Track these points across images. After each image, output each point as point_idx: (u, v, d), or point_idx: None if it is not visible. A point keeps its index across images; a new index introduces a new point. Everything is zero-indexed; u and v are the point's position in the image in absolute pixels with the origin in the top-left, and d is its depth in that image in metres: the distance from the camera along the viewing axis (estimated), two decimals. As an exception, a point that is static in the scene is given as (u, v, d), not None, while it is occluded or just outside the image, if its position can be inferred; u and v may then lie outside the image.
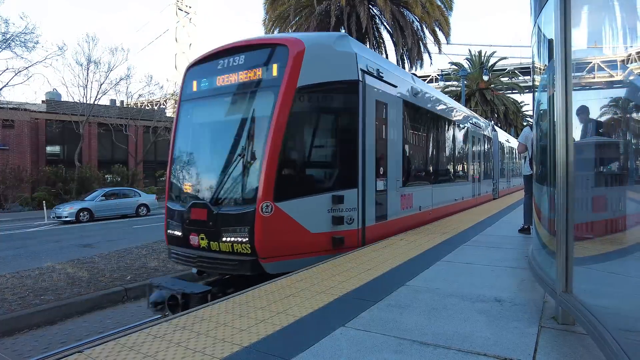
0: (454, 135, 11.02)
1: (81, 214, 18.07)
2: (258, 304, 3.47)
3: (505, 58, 43.17)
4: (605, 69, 2.86)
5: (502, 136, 19.41)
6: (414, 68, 19.19)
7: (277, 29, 18.09)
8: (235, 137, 5.49)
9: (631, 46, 2.55)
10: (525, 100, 46.08)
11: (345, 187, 5.69)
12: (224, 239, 5.06)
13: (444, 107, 10.35)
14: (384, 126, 6.77)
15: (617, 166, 2.99)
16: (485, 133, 15.09)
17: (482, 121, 15.57)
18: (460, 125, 11.76)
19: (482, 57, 42.14)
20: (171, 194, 6.13)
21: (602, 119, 3.10)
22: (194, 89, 6.14)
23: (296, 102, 5.18)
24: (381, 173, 6.55)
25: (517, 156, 22.46)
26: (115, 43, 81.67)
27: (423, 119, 9.02)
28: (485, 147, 15.14)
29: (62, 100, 30.00)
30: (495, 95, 39.27)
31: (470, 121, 13.04)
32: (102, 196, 19.50)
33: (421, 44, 18.94)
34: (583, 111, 2.99)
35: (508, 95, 43.89)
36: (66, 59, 64.43)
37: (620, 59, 2.68)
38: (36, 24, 54.17)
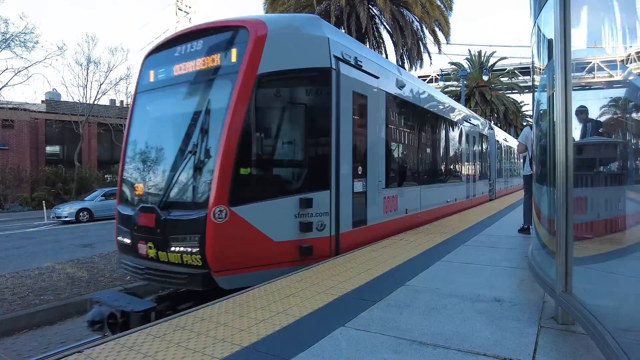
0: (445, 133, 10.50)
1: (81, 214, 18.06)
2: (258, 304, 3.47)
3: (505, 58, 43.24)
4: (605, 68, 2.86)
5: (500, 135, 18.90)
6: (414, 68, 19.22)
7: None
8: (188, 133, 4.94)
9: (630, 46, 2.55)
10: (525, 100, 46.17)
11: (315, 188, 5.12)
12: (172, 248, 4.50)
13: (435, 102, 9.80)
14: (363, 121, 6.23)
15: (600, 168, 3.01)
16: (480, 131, 14.53)
17: (477, 118, 15.03)
18: (453, 122, 11.20)
19: (482, 57, 42.17)
20: (123, 196, 5.54)
21: (602, 119, 3.11)
22: (151, 79, 5.60)
23: (257, 91, 4.60)
24: (360, 173, 6.02)
25: (515, 156, 22.20)
26: (114, 43, 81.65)
27: (410, 114, 8.48)
28: (481, 145, 14.62)
29: (61, 100, 29.96)
30: (495, 95, 39.29)
31: (464, 118, 12.46)
32: (101, 196, 19.48)
33: (421, 44, 18.98)
34: (582, 111, 3.00)
35: (508, 95, 43.94)
36: (66, 59, 64.42)
37: (620, 59, 2.68)
38: (36, 23, 54.25)
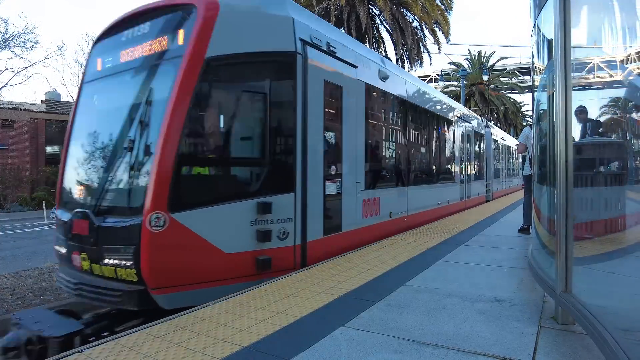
0: (436, 130, 9.83)
1: (81, 214, 18.04)
2: (258, 304, 3.47)
3: (504, 58, 43.30)
4: (605, 68, 2.87)
5: (497, 133, 18.28)
6: (414, 68, 19.24)
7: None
8: (127, 127, 4.32)
9: (630, 46, 2.56)
10: (525, 100, 46.21)
11: (276, 191, 4.50)
12: (106, 260, 3.88)
13: (424, 96, 9.05)
14: (338, 115, 5.59)
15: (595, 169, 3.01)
16: (476, 129, 13.88)
17: (472, 116, 14.31)
18: (445, 118, 10.52)
19: (482, 57, 42.21)
20: (62, 200, 4.87)
21: (602, 119, 3.11)
22: (98, 67, 4.97)
23: (204, 77, 4.01)
24: (333, 173, 5.41)
25: (514, 155, 21.92)
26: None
27: (395, 109, 7.75)
28: (477, 144, 13.96)
29: (61, 100, 29.98)
30: (495, 95, 39.33)
31: (458, 115, 11.73)
32: (101, 196, 19.45)
33: (421, 44, 19.00)
34: (582, 111, 3.00)
35: (508, 95, 43.99)
36: (66, 59, 64.44)
37: (620, 59, 2.69)
38: (35, 23, 54.23)
